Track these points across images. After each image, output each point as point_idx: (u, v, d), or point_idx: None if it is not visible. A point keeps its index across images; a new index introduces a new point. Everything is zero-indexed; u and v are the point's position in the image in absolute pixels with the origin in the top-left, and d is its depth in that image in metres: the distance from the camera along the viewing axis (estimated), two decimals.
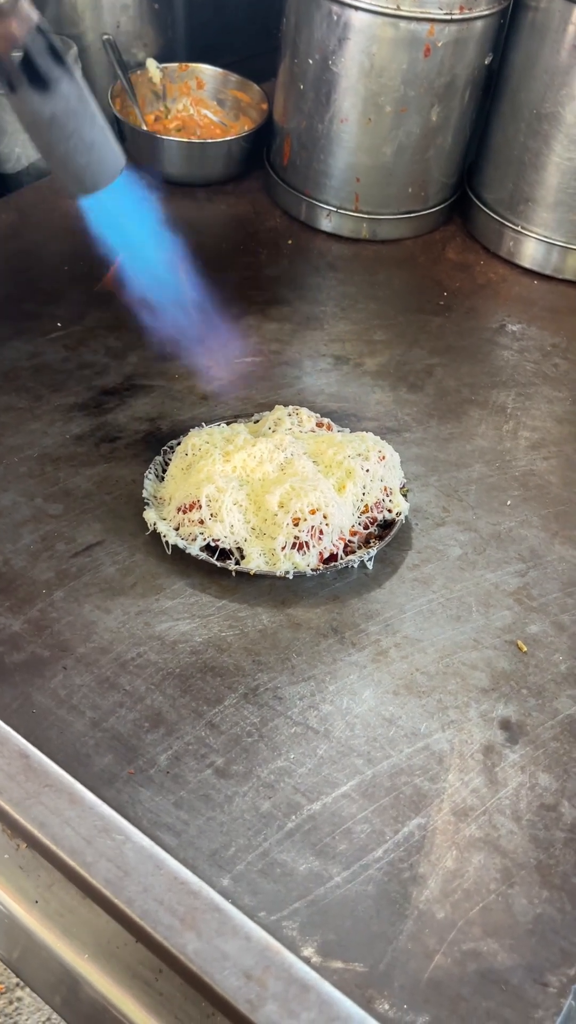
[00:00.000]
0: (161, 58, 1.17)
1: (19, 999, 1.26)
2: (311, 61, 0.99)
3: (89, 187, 0.72)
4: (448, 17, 0.93)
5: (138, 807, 0.58)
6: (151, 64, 1.15)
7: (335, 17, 0.95)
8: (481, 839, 0.58)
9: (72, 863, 0.48)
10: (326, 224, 1.10)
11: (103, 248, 0.79)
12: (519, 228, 1.07)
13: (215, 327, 0.88)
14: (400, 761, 0.62)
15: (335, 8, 0.95)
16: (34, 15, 0.64)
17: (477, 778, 0.62)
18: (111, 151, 0.72)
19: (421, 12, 0.93)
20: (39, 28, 0.64)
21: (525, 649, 0.70)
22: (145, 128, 1.12)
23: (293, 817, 0.58)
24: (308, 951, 0.52)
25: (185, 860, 0.55)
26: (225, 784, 0.60)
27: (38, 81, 0.65)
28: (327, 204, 1.08)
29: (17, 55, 0.64)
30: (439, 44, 0.95)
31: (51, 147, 0.69)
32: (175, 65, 1.17)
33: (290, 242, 1.09)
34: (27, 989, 1.26)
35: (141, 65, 1.16)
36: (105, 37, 1.12)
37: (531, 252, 1.07)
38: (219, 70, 1.18)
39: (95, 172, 0.71)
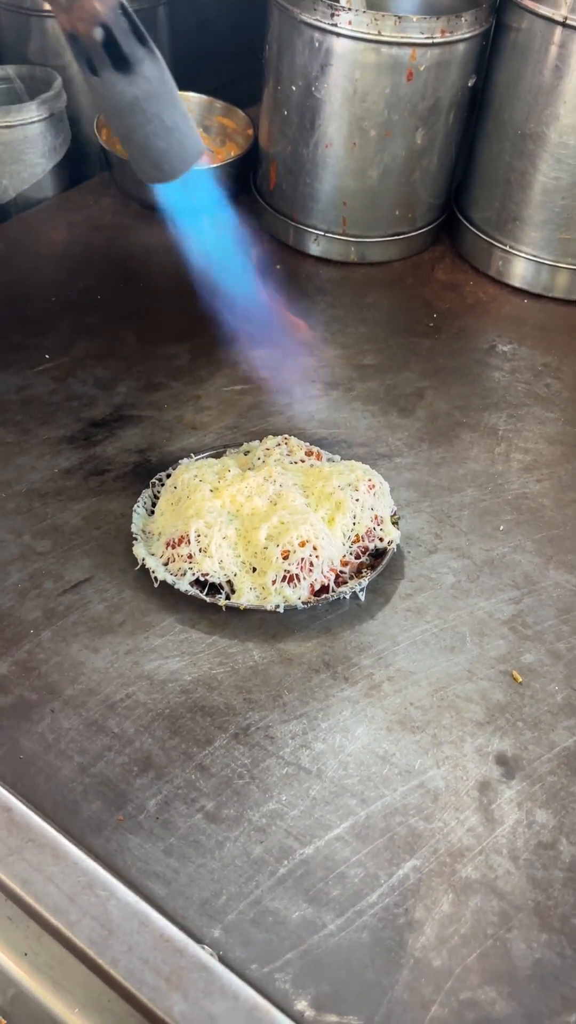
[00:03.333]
0: None
1: None
2: (294, 87, 0.98)
3: (168, 173, 0.67)
4: (430, 41, 0.92)
5: (127, 855, 0.56)
6: None
7: (317, 44, 0.94)
8: (478, 880, 0.56)
9: (55, 922, 0.47)
10: (314, 248, 1.09)
11: (179, 241, 0.74)
12: (508, 247, 1.05)
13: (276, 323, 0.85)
14: (394, 800, 0.60)
15: (316, 35, 0.93)
16: None
17: (473, 816, 0.60)
18: (191, 135, 0.67)
19: (403, 37, 0.91)
20: (122, 5, 0.60)
21: (520, 680, 0.68)
22: None
23: (285, 862, 0.57)
24: (301, 1004, 0.50)
25: (175, 911, 0.53)
26: (216, 829, 0.58)
27: (121, 63, 0.60)
28: (315, 228, 1.07)
29: (99, 35, 0.60)
30: (421, 68, 0.94)
31: (131, 131, 0.64)
32: None
33: (278, 267, 1.08)
34: None
35: None
36: None
37: (520, 271, 1.06)
38: (204, 97, 1.17)
39: (175, 157, 0.66)
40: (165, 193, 0.70)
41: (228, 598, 0.70)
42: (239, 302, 0.80)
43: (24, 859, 0.49)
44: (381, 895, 0.55)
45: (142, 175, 0.68)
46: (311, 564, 0.70)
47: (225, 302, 0.80)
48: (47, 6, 1.10)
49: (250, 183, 1.14)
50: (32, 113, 1.05)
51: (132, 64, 0.61)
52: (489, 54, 1.00)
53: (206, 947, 0.51)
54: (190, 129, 0.67)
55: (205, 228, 0.76)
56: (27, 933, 0.56)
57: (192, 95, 1.17)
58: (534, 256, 1.04)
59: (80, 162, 1.16)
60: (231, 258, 0.78)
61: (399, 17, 0.91)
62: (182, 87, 1.16)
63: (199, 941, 0.51)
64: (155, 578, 0.71)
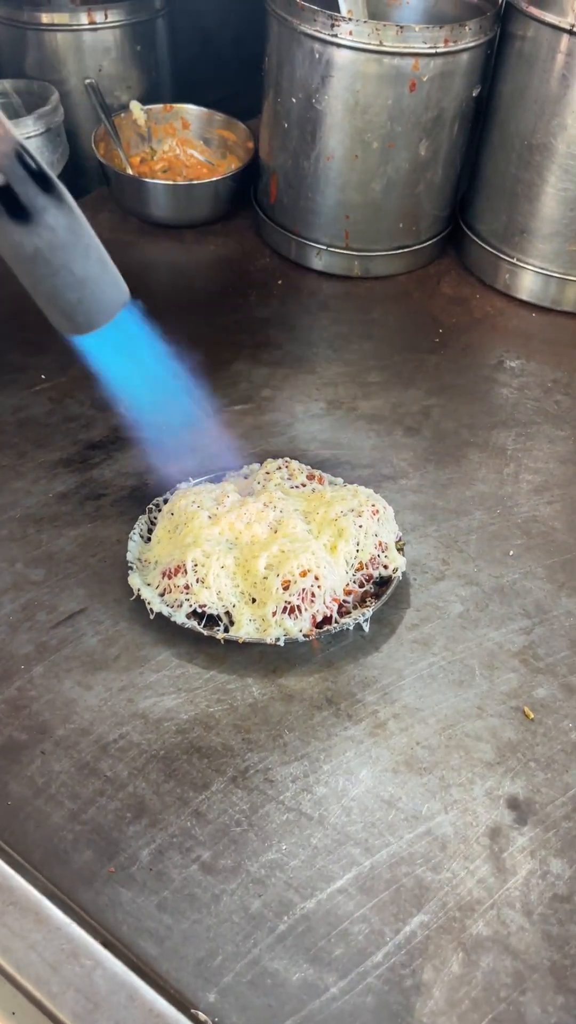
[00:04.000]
0: (145, 99, 1.14)
1: None
2: (295, 100, 0.95)
3: (83, 325, 0.62)
4: (433, 51, 0.89)
5: (118, 911, 0.53)
6: (135, 106, 1.12)
7: (317, 55, 0.91)
8: (489, 938, 0.53)
9: (37, 993, 0.43)
10: (317, 263, 1.06)
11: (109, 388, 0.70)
12: (515, 260, 1.02)
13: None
14: (400, 849, 0.57)
15: (317, 46, 0.90)
16: (13, 135, 0.55)
17: (483, 866, 0.56)
18: (109, 285, 0.62)
19: (405, 47, 0.88)
20: (19, 149, 0.55)
21: (532, 716, 0.64)
22: (130, 171, 1.09)
23: (285, 917, 0.53)
24: None
25: (168, 972, 0.50)
26: (212, 881, 0.55)
27: (20, 213, 0.56)
28: (317, 242, 1.04)
29: None
30: (424, 78, 0.91)
31: (36, 282, 0.60)
32: (159, 106, 1.13)
33: (280, 282, 1.05)
34: None
35: (125, 107, 1.12)
36: (87, 81, 1.08)
37: (528, 284, 1.03)
38: (204, 110, 1.14)
39: (88, 310, 0.61)
40: (85, 344, 0.64)
41: (227, 630, 0.67)
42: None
43: (5, 924, 0.46)
44: (387, 954, 0.52)
45: (56, 325, 0.63)
46: (313, 594, 0.67)
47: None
48: (45, 19, 1.07)
49: (250, 196, 1.12)
50: (29, 128, 1.02)
51: (32, 214, 0.56)
52: (494, 63, 0.97)
53: (200, 1014, 0.47)
54: (109, 278, 0.62)
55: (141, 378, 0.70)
56: (14, 992, 0.53)
57: (191, 108, 1.14)
58: (542, 269, 1.01)
59: (78, 176, 1.14)
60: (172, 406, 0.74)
61: (401, 27, 0.88)
62: (182, 99, 1.15)
63: (193, 1007, 0.48)
64: (151, 610, 0.68)
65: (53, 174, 0.57)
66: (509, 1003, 0.50)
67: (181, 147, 1.14)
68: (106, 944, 0.48)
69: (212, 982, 0.50)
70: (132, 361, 0.68)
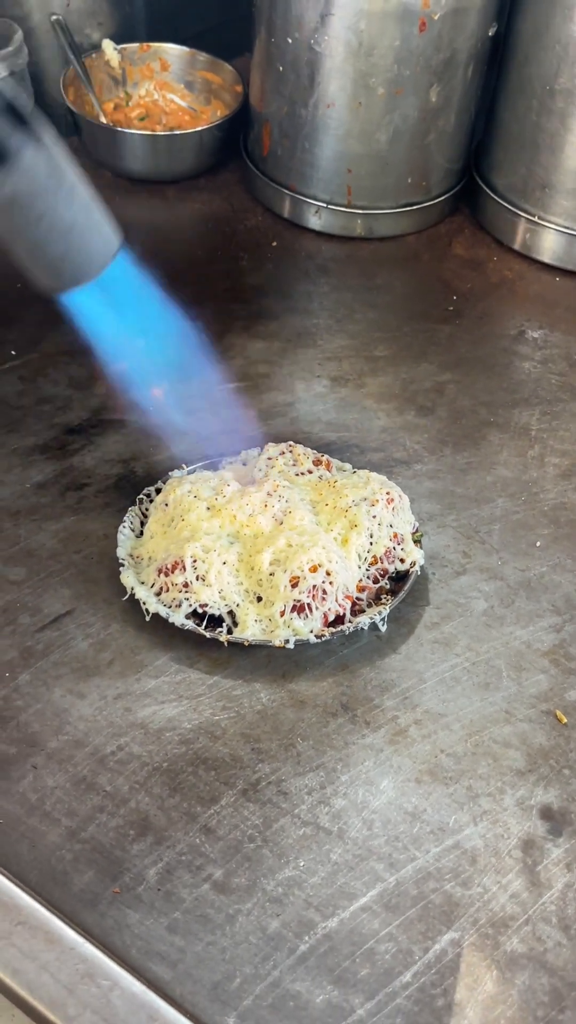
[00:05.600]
0: (119, 38, 1.16)
1: None
2: (290, 40, 0.98)
3: (69, 281, 0.63)
4: None
5: (126, 934, 0.56)
6: (107, 45, 1.14)
7: None
8: (524, 955, 0.57)
9: (52, 1017, 0.47)
10: (314, 222, 1.08)
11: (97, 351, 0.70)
12: (535, 218, 1.05)
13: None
14: (427, 864, 0.60)
15: None
16: None
17: (516, 880, 0.60)
18: (97, 233, 0.62)
19: None
20: None
21: (565, 720, 0.69)
22: (104, 119, 1.11)
23: (306, 937, 0.57)
24: None
25: (183, 996, 0.54)
26: (226, 901, 0.58)
27: None
28: (315, 199, 1.07)
29: None
30: (435, 16, 0.94)
31: (14, 234, 0.60)
32: (135, 45, 1.16)
33: (274, 244, 1.08)
34: None
35: (96, 47, 1.15)
36: (54, 17, 1.10)
37: (550, 244, 1.06)
38: (186, 49, 1.17)
39: (76, 263, 0.62)
40: (72, 301, 0.64)
41: (230, 632, 0.70)
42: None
43: (14, 944, 0.49)
44: (416, 974, 0.56)
45: (38, 283, 0.62)
46: (324, 592, 0.70)
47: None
48: None
49: (240, 147, 1.14)
50: None
51: (5, 155, 0.56)
52: None
53: None
54: (97, 224, 0.62)
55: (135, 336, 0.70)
56: (27, 1018, 0.56)
57: (171, 47, 1.17)
58: (566, 228, 1.04)
59: None
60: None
61: None
62: (158, 34, 1.18)
63: None
64: (146, 610, 0.71)
65: (28, 108, 0.58)
66: (547, 1022, 0.54)
67: (160, 91, 1.16)
68: (121, 963, 0.51)
69: (231, 1006, 0.54)
70: (127, 320, 0.69)
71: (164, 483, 0.79)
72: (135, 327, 0.71)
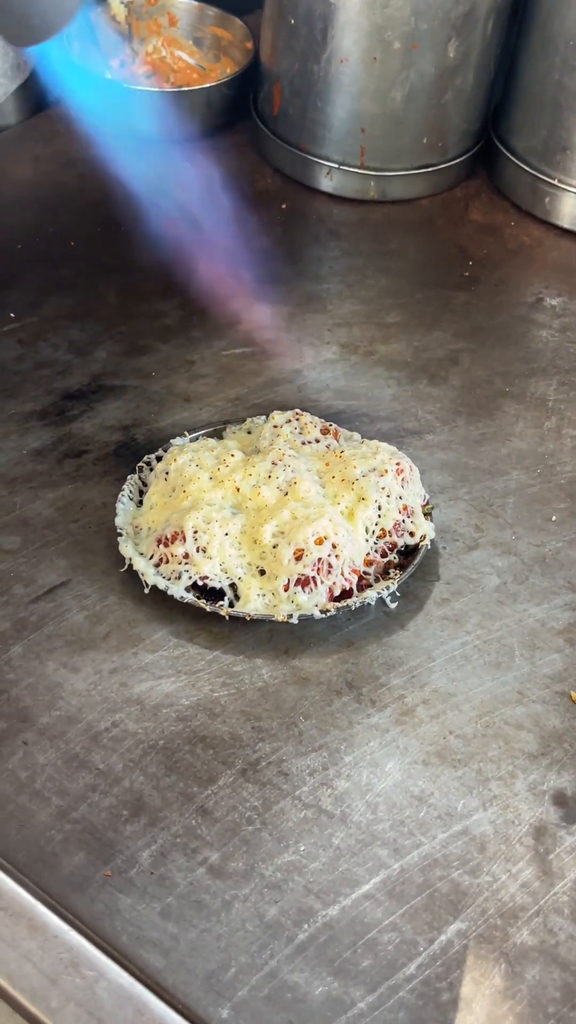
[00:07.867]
0: None
1: None
2: None
3: (40, 31, 0.61)
4: None
5: (116, 919, 0.54)
6: None
7: None
8: (535, 947, 0.55)
9: (33, 1009, 0.45)
10: (326, 183, 1.06)
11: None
12: (556, 181, 1.03)
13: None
14: (433, 850, 0.58)
15: None
16: None
17: (527, 868, 0.58)
18: None
19: None
20: None
21: None
22: (109, 76, 1.08)
23: (305, 926, 0.55)
24: None
25: (175, 986, 0.51)
26: (222, 886, 0.56)
27: None
28: (327, 160, 1.04)
29: None
30: None
31: None
32: None
33: (284, 206, 1.06)
34: None
35: (101, 0, 1.12)
36: None
37: (571, 209, 1.04)
38: (195, 3, 1.14)
39: (46, 10, 0.59)
40: (44, 56, 0.64)
41: (232, 606, 0.68)
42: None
43: None
44: (420, 966, 0.53)
45: (6, 37, 0.62)
46: (329, 565, 0.68)
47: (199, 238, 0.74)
48: None
49: (250, 106, 1.11)
50: None
51: None
52: None
53: None
54: None
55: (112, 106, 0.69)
56: (7, 1008, 0.54)
57: (180, 0, 1.14)
58: None
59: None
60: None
61: None
62: None
63: (206, 1023, 0.49)
64: (145, 582, 0.69)
65: None
66: (558, 1019, 0.52)
67: (167, 48, 1.13)
68: (108, 953, 0.49)
69: (225, 996, 0.51)
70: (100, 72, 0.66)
71: (165, 451, 0.77)
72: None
